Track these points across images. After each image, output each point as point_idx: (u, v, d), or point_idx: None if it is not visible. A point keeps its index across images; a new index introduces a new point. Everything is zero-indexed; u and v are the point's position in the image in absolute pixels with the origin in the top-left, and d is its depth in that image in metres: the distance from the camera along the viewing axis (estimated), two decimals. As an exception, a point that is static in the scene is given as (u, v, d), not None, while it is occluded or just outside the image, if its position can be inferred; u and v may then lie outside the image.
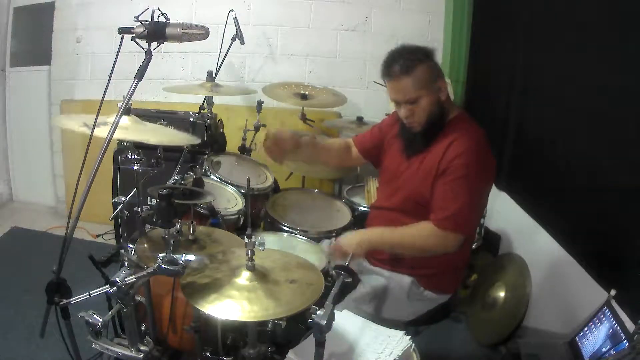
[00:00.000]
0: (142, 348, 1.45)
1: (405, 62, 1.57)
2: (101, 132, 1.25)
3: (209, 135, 2.56)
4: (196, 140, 1.74)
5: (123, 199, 1.62)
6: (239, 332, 1.63)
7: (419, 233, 1.63)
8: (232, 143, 2.79)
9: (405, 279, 1.74)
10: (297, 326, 1.52)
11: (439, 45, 3.09)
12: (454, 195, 1.57)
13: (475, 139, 1.62)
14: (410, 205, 1.71)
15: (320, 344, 1.18)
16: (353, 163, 2.07)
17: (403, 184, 1.75)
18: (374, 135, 1.96)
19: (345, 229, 2.23)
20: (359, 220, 2.21)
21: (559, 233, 1.99)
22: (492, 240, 2.50)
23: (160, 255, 1.27)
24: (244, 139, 2.78)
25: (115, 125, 1.22)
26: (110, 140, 1.22)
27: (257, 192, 2.40)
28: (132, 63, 1.24)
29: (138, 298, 1.51)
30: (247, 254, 1.33)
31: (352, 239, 1.64)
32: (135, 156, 1.63)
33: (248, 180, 1.52)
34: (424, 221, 1.63)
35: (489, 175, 1.68)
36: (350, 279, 1.37)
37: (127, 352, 1.43)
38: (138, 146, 1.65)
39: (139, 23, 1.20)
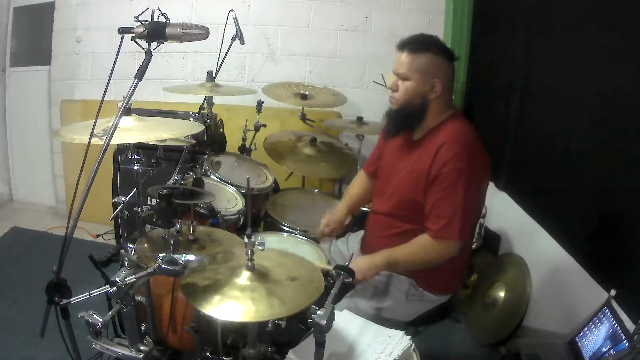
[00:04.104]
0: (142, 348, 1.46)
1: (418, 43, 1.61)
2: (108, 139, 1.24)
3: (209, 135, 2.56)
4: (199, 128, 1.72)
5: (123, 199, 1.62)
6: (239, 332, 1.63)
7: (420, 248, 1.63)
8: (232, 143, 2.79)
9: (404, 280, 1.74)
10: (297, 326, 1.52)
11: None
12: (447, 204, 1.57)
13: (465, 140, 1.61)
14: (404, 211, 1.71)
15: (320, 344, 1.18)
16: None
17: (396, 188, 1.75)
18: (374, 156, 1.99)
19: (345, 229, 2.23)
20: (359, 221, 2.21)
21: (559, 233, 1.99)
22: (492, 240, 2.50)
23: (160, 255, 1.27)
24: (244, 139, 2.78)
25: (116, 126, 1.22)
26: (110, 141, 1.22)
27: (257, 192, 2.40)
28: (132, 63, 1.24)
29: (138, 298, 1.52)
30: (247, 254, 1.33)
31: (361, 265, 1.61)
32: (135, 156, 1.63)
33: (248, 180, 1.52)
34: (421, 235, 1.63)
35: (483, 175, 1.68)
36: (350, 279, 1.37)
37: (127, 352, 1.44)
38: (138, 146, 1.65)
39: (139, 23, 1.20)
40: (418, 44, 1.61)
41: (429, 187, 1.61)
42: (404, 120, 1.69)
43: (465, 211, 1.57)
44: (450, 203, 1.57)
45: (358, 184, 2.07)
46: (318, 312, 1.17)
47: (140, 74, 1.20)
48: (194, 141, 2.19)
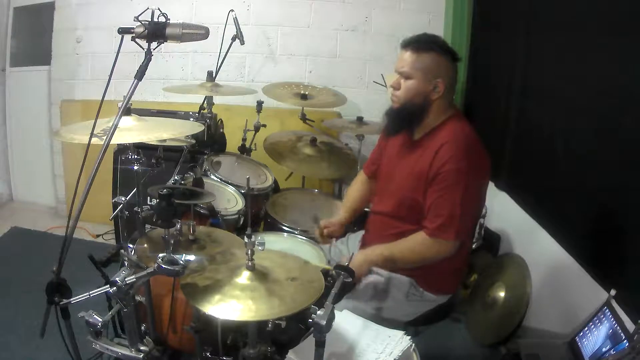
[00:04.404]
0: (142, 348, 1.45)
1: (422, 42, 1.62)
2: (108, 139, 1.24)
3: (209, 135, 2.56)
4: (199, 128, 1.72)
5: (123, 199, 1.62)
6: (239, 332, 1.63)
7: (415, 245, 1.64)
8: (232, 143, 2.79)
9: (404, 280, 1.74)
10: (297, 326, 1.52)
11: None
12: (445, 203, 1.57)
13: (465, 140, 1.61)
14: (404, 211, 1.71)
15: (320, 344, 1.18)
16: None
17: (396, 189, 1.75)
18: (375, 155, 2.00)
19: (345, 230, 2.23)
20: (359, 221, 2.21)
21: (559, 233, 1.99)
22: (492, 240, 2.50)
23: (160, 255, 1.27)
24: (244, 139, 2.78)
25: (116, 126, 1.22)
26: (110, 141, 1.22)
27: (257, 192, 2.40)
28: (132, 63, 1.24)
29: (138, 298, 1.51)
30: (247, 254, 1.33)
31: (355, 260, 1.62)
32: (135, 156, 1.63)
33: (248, 180, 1.52)
34: (418, 232, 1.63)
35: (482, 175, 1.68)
36: (350, 279, 1.37)
37: (127, 352, 1.43)
38: (138, 146, 1.65)
39: (139, 23, 1.20)
40: (422, 43, 1.62)
41: (429, 186, 1.62)
42: (405, 119, 1.69)
43: (463, 211, 1.57)
44: (448, 202, 1.57)
45: (357, 186, 2.07)
46: (318, 312, 1.17)
47: (140, 74, 1.20)
48: (194, 141, 2.18)
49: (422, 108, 1.65)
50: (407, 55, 1.62)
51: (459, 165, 1.56)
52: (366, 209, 2.36)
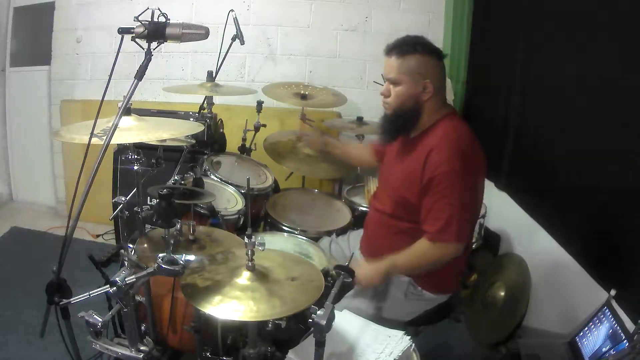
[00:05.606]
0: (142, 348, 1.46)
1: (404, 46, 1.61)
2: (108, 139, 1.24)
3: (209, 135, 2.56)
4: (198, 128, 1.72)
5: (123, 199, 1.62)
6: (238, 332, 1.63)
7: (420, 252, 1.63)
8: (232, 143, 2.79)
9: (403, 279, 1.74)
10: (297, 326, 1.52)
11: (438, 45, 3.08)
12: (442, 207, 1.57)
13: (456, 141, 1.60)
14: (400, 210, 1.71)
15: (320, 344, 1.19)
16: (370, 164, 2.16)
17: (392, 188, 1.76)
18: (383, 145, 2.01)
19: (345, 229, 2.23)
20: (359, 220, 2.22)
21: (559, 233, 1.99)
22: (492, 240, 2.50)
23: (160, 255, 1.27)
24: (244, 139, 2.78)
25: (116, 126, 1.22)
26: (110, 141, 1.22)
27: (257, 192, 2.39)
28: (132, 63, 1.24)
29: (138, 298, 1.52)
30: (247, 254, 1.33)
31: (366, 272, 1.61)
32: (135, 156, 1.63)
33: (248, 180, 1.52)
34: (421, 239, 1.63)
35: (477, 172, 1.67)
36: (350, 279, 1.37)
37: (127, 352, 1.44)
38: (138, 146, 1.65)
39: (139, 23, 1.20)
40: (405, 46, 1.61)
41: (425, 191, 1.61)
42: (400, 125, 1.70)
43: (462, 212, 1.57)
44: (446, 206, 1.56)
45: (361, 147, 2.24)
46: (318, 312, 1.17)
47: (140, 74, 1.20)
48: (194, 141, 2.18)
49: (414, 111, 1.65)
50: (392, 61, 1.62)
51: (452, 167, 1.55)
52: (364, 208, 2.38)
